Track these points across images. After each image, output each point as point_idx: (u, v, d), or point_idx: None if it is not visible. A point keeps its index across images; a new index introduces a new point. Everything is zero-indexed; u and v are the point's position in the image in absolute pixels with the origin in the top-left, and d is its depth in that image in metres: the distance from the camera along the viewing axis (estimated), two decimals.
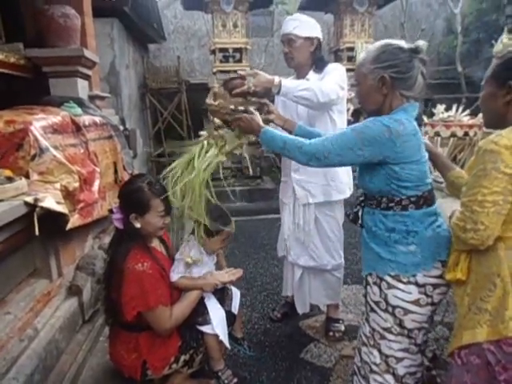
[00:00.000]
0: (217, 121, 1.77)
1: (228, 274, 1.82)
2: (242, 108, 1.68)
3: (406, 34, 8.60)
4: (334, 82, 1.93)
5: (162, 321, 1.62)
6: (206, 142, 1.74)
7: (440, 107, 3.94)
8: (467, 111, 3.91)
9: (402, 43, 1.37)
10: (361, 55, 1.43)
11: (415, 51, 1.34)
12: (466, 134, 3.66)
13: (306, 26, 2.07)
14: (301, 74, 2.16)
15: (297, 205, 2.25)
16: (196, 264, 1.77)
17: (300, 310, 2.48)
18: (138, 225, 1.63)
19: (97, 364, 2.01)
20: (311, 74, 2.12)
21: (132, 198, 1.63)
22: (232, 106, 1.70)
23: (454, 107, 3.87)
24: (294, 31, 2.03)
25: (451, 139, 3.70)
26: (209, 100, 1.73)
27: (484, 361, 1.16)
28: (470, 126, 3.65)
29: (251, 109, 1.68)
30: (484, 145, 1.15)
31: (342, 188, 2.20)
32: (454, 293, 1.37)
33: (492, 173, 1.11)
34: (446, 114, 3.85)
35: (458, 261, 1.27)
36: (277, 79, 1.83)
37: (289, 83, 1.87)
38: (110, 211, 1.72)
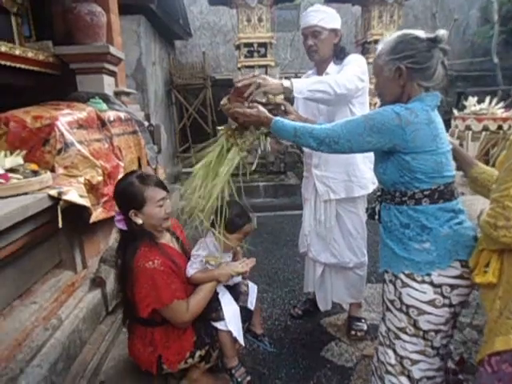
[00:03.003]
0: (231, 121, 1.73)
1: (242, 265, 1.79)
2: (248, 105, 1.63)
3: (438, 24, 8.29)
4: (351, 73, 1.85)
5: (179, 314, 1.62)
6: (225, 142, 1.71)
7: (472, 99, 3.75)
8: (501, 103, 3.71)
9: (421, 33, 1.31)
10: (379, 46, 1.38)
11: (434, 40, 1.28)
12: (500, 127, 3.46)
13: (331, 17, 2.02)
14: (322, 67, 2.10)
15: (318, 201, 2.22)
16: (217, 266, 1.75)
17: (322, 307, 2.44)
18: (139, 221, 1.61)
19: (119, 355, 2.04)
20: (331, 67, 2.07)
21: (125, 194, 1.61)
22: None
23: (487, 99, 3.67)
24: (319, 23, 1.98)
25: (483, 133, 3.52)
26: (223, 101, 1.71)
27: None
28: (505, 119, 3.44)
29: (258, 104, 1.63)
30: None
31: (365, 183, 2.15)
32: (482, 297, 1.29)
33: None
34: (478, 107, 3.66)
35: (488, 262, 1.20)
36: (285, 81, 1.75)
37: (300, 80, 1.80)
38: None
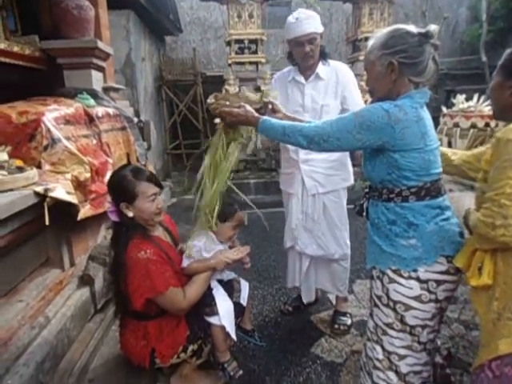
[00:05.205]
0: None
1: (236, 252, 1.81)
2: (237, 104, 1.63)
3: (428, 22, 8.32)
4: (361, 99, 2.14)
5: (175, 301, 1.63)
6: (224, 136, 1.72)
7: (460, 97, 3.77)
8: (489, 101, 3.76)
9: (412, 28, 1.31)
10: (370, 42, 1.37)
11: (426, 36, 1.28)
12: (487, 124, 3.50)
13: (319, 21, 2.08)
14: (310, 68, 2.17)
15: (305, 195, 2.26)
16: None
17: (306, 299, 2.48)
18: (130, 214, 1.63)
19: (108, 353, 2.03)
20: (320, 67, 2.16)
21: (118, 187, 1.64)
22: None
23: (476, 97, 3.70)
24: (316, 30, 2.05)
25: (471, 130, 3.55)
26: (210, 100, 1.71)
27: None
28: (492, 117, 3.49)
29: (245, 104, 1.63)
30: (505, 135, 1.09)
31: (348, 177, 2.29)
32: (473, 299, 1.28)
33: None
34: (466, 105, 3.69)
35: (482, 264, 1.19)
36: None
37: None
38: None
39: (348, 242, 2.34)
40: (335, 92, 2.15)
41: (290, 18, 2.06)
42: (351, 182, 2.31)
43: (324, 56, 2.16)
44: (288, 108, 2.15)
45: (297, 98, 2.19)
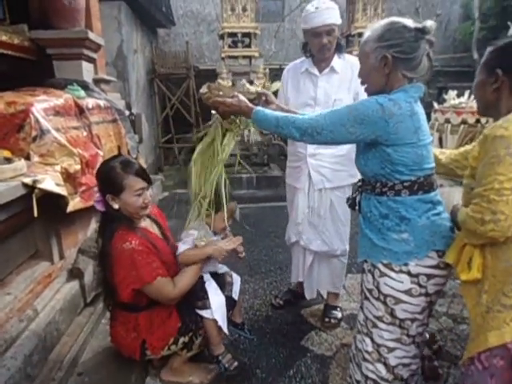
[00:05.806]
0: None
1: (229, 242, 1.81)
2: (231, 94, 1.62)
3: (421, 19, 8.33)
4: None
5: (164, 292, 1.62)
6: (220, 127, 1.71)
7: (452, 93, 3.80)
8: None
9: (409, 22, 1.30)
10: (366, 33, 1.36)
11: (422, 31, 1.27)
12: (478, 121, 3.53)
13: (338, 13, 2.03)
14: (326, 61, 2.12)
15: (312, 189, 2.23)
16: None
17: (308, 295, 2.47)
18: (115, 205, 1.62)
19: (98, 346, 2.02)
20: (336, 60, 2.11)
21: (105, 178, 1.64)
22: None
23: (467, 93, 3.73)
24: (336, 21, 2.00)
25: (462, 126, 3.57)
26: (203, 90, 1.69)
27: (509, 361, 1.09)
28: None
29: (238, 93, 1.62)
30: (493, 132, 1.09)
31: (355, 173, 2.23)
32: (463, 293, 1.29)
33: (506, 159, 1.04)
34: (457, 101, 3.71)
35: (471, 258, 1.19)
36: None
37: None
38: None
39: (348, 238, 2.33)
40: (349, 87, 2.10)
41: (309, 7, 1.99)
42: (358, 178, 2.29)
43: (340, 49, 2.11)
44: (299, 100, 2.14)
45: (309, 91, 2.14)
